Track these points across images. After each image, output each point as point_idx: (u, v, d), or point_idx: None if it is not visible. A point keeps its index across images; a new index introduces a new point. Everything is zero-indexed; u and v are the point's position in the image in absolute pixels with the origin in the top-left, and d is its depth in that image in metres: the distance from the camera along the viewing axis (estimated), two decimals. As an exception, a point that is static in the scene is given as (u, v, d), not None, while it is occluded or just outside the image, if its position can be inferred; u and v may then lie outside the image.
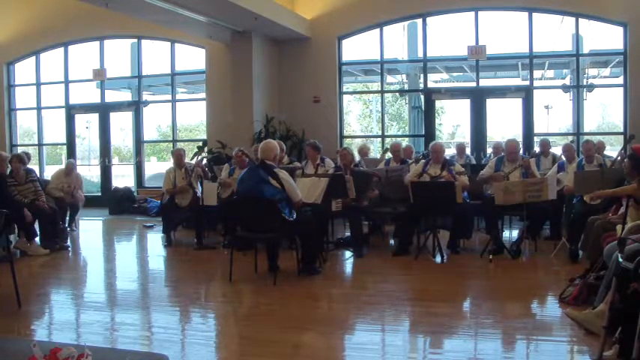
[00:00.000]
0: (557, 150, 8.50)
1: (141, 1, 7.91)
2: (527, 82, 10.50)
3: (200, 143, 10.99)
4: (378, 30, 10.73)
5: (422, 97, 11.26)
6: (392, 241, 7.24)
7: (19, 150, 11.29)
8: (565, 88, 11.33)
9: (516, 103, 10.41)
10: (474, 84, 10.84)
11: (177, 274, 6.37)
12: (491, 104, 10.60)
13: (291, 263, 5.79)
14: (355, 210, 6.71)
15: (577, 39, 10.12)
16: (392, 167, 7.49)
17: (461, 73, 13.28)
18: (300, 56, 10.78)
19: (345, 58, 11.09)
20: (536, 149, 8.54)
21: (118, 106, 12.60)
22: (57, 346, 2.03)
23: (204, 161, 8.34)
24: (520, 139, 10.06)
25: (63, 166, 9.19)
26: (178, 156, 7.85)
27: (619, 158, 6.72)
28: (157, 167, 15.01)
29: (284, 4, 10.01)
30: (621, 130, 10.10)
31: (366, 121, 22.03)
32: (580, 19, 9.89)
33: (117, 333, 4.17)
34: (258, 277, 5.63)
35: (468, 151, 9.88)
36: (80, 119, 12.85)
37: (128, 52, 12.54)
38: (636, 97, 9.48)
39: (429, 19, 10.55)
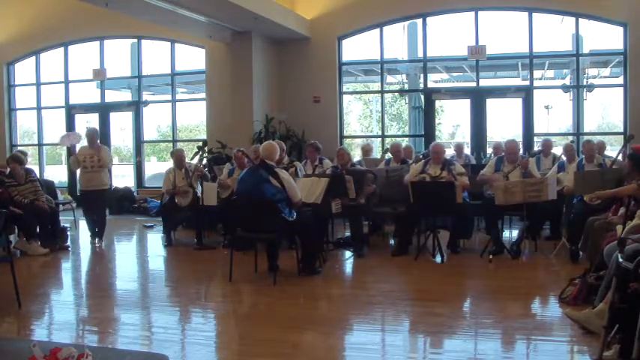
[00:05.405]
0: (557, 150, 8.50)
1: (141, 1, 7.91)
2: (527, 82, 10.49)
3: (200, 143, 10.97)
4: (378, 30, 10.73)
5: (422, 97, 11.26)
6: (392, 241, 7.24)
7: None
8: (565, 88, 11.32)
9: (516, 103, 10.40)
10: (474, 84, 10.84)
11: (177, 274, 6.37)
12: (491, 104, 10.59)
13: (291, 263, 5.78)
14: (355, 210, 6.70)
15: (577, 39, 10.12)
16: (392, 167, 7.49)
17: (461, 73, 13.27)
18: (300, 56, 10.78)
19: (345, 58, 11.09)
20: (536, 149, 8.53)
21: (118, 106, 12.60)
22: (57, 346, 2.04)
23: (204, 161, 8.33)
24: (520, 139, 10.07)
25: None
26: (179, 157, 7.84)
27: (619, 158, 6.72)
28: (157, 167, 15.00)
29: (284, 4, 10.00)
30: (621, 130, 10.09)
31: (367, 121, 22.01)
32: (580, 19, 9.88)
33: (117, 333, 4.17)
34: (258, 277, 5.63)
35: (468, 151, 9.88)
36: (80, 119, 12.83)
37: (128, 52, 12.53)
38: (636, 97, 9.48)
39: (429, 19, 10.54)
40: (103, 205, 8.10)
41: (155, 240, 8.26)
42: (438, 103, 12.41)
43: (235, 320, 4.65)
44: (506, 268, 5.94)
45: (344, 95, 11.58)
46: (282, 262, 5.72)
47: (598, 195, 5.50)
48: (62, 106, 12.53)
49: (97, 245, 7.79)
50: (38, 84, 12.76)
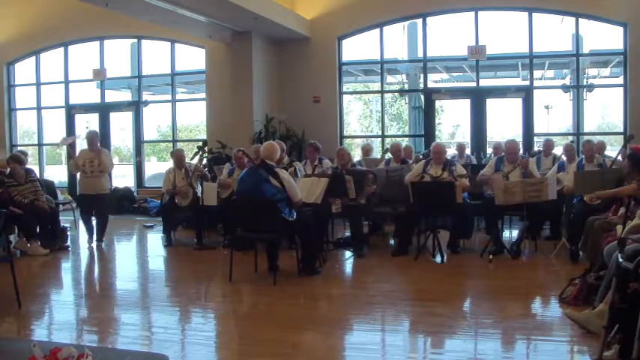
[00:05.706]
0: (557, 150, 8.51)
1: (141, 1, 7.91)
2: (527, 82, 10.50)
3: (200, 143, 10.97)
4: (378, 30, 10.73)
5: (422, 97, 11.26)
6: (392, 241, 7.24)
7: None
8: (565, 88, 11.32)
9: (516, 103, 10.41)
10: (474, 84, 10.85)
11: (177, 274, 6.37)
12: (491, 104, 10.60)
13: (291, 263, 5.78)
14: (355, 210, 6.70)
15: (577, 39, 10.12)
16: (392, 167, 7.49)
17: (461, 73, 13.28)
18: (300, 56, 10.78)
19: (345, 58, 11.09)
20: (536, 148, 8.52)
21: (118, 106, 12.60)
22: (57, 346, 2.03)
23: (204, 161, 8.33)
24: (520, 139, 10.07)
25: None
26: (179, 157, 7.83)
27: (619, 158, 6.71)
28: (157, 167, 15.00)
29: (284, 4, 10.01)
30: (621, 130, 10.10)
31: (367, 121, 22.02)
32: (580, 19, 9.89)
33: (117, 333, 4.17)
34: (258, 277, 5.63)
35: (467, 151, 9.88)
36: (80, 119, 12.84)
37: (128, 52, 12.54)
38: (636, 97, 9.48)
39: (429, 19, 10.54)
40: (104, 207, 7.95)
41: (155, 240, 8.26)
42: (438, 103, 12.42)
43: (235, 320, 4.65)
44: (506, 268, 5.94)
45: (344, 95, 11.58)
46: (282, 262, 5.71)
47: (598, 195, 5.50)
48: (62, 106, 12.53)
49: (96, 245, 7.75)
50: (38, 84, 12.76)
